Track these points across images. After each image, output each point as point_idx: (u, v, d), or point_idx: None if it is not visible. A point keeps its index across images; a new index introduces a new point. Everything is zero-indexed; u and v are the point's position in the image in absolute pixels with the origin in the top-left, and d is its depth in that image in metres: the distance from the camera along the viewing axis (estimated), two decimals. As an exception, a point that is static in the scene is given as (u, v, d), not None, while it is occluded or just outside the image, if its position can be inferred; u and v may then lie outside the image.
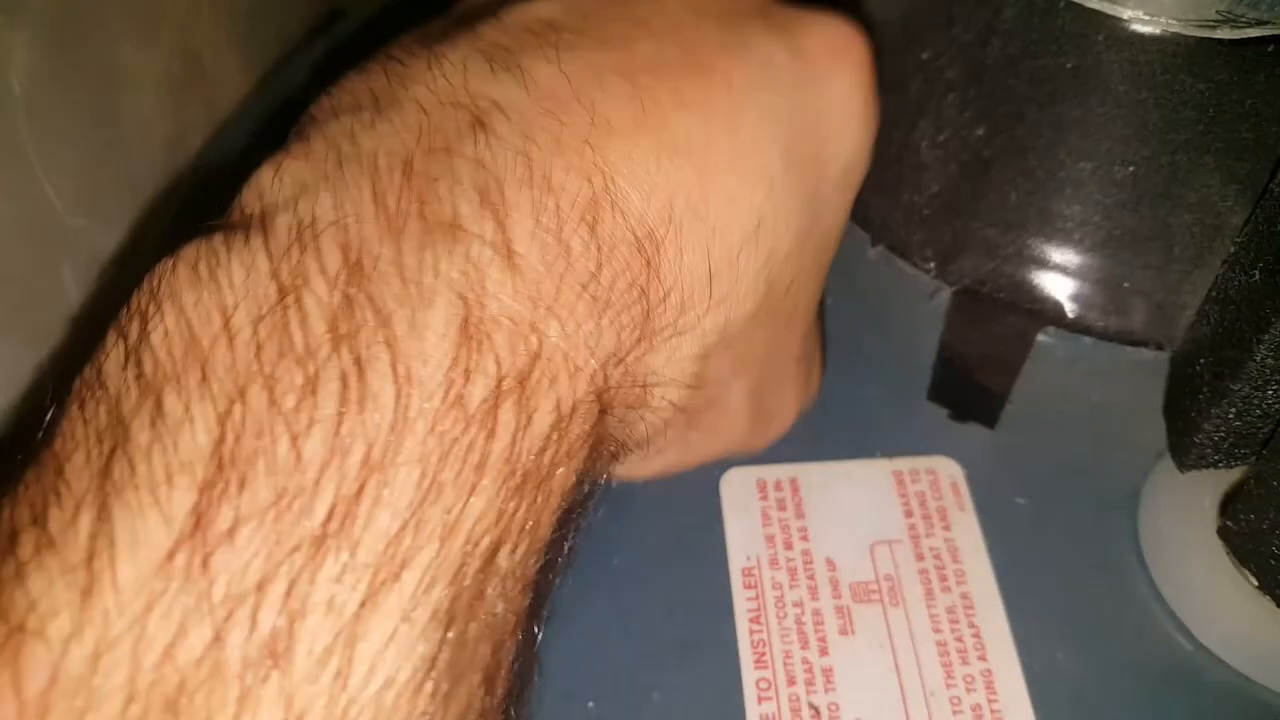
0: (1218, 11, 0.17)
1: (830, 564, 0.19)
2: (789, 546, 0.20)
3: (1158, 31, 0.18)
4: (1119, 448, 0.20)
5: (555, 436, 0.11)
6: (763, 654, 0.18)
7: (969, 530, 0.20)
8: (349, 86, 0.13)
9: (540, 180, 0.11)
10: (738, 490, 0.21)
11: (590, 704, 0.17)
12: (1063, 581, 0.19)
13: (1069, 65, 0.19)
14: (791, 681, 0.18)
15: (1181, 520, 0.19)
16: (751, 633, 0.18)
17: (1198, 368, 0.17)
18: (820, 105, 0.14)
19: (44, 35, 0.22)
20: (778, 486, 0.21)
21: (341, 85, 0.13)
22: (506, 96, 0.12)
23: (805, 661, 0.18)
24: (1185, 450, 0.17)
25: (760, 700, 0.17)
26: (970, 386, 0.21)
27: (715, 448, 0.18)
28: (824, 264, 0.16)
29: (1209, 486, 0.19)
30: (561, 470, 0.11)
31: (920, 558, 0.19)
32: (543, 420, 0.11)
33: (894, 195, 0.21)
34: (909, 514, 0.20)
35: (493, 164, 0.11)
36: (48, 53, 0.23)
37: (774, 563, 0.19)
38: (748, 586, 0.19)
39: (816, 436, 0.21)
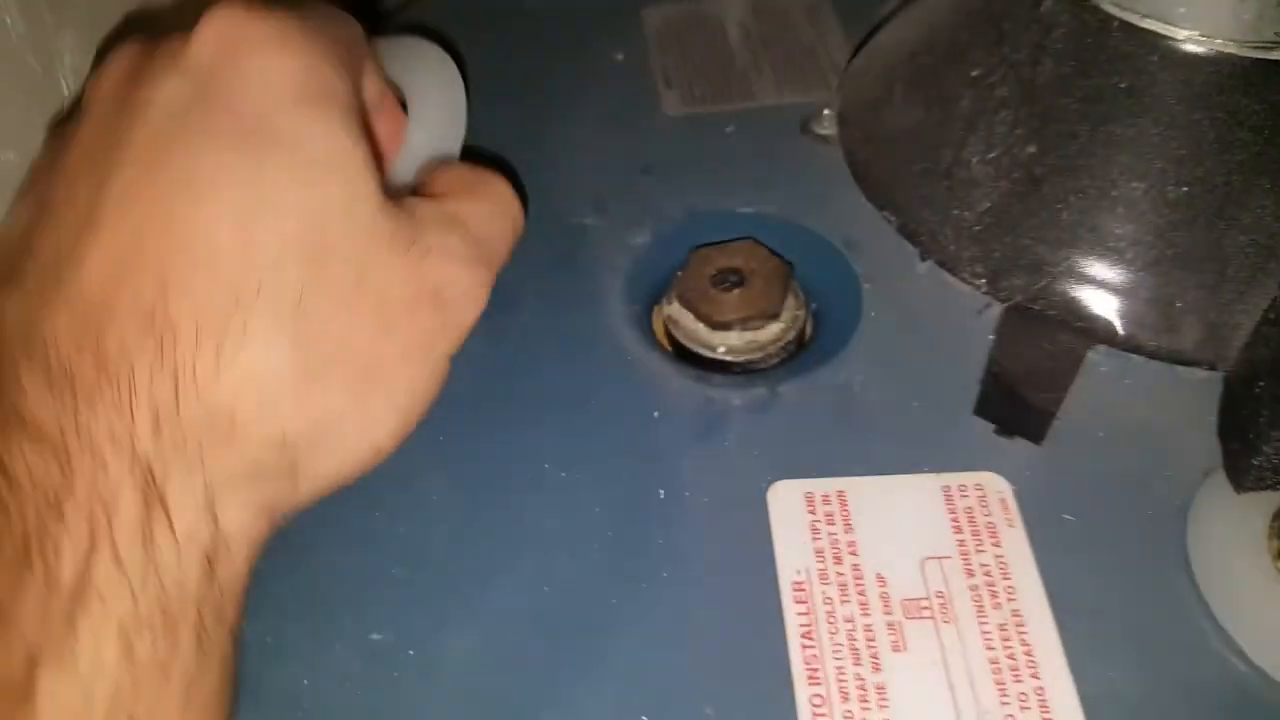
0: (1276, 33, 0.17)
1: (880, 579, 0.19)
2: (839, 561, 0.20)
3: (1213, 52, 0.18)
4: (1166, 465, 0.20)
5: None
6: (815, 670, 0.18)
7: (1019, 547, 0.20)
8: None
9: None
10: (785, 503, 0.21)
11: (643, 718, 0.17)
12: (1114, 600, 0.19)
13: (1122, 85, 0.19)
14: (845, 698, 0.18)
15: (1232, 540, 0.19)
16: (804, 648, 0.18)
17: (1257, 390, 0.17)
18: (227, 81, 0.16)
19: (91, 35, 0.23)
20: (825, 500, 0.21)
21: None
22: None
23: (858, 678, 0.18)
24: (1243, 472, 0.17)
25: (815, 717, 0.17)
26: (1018, 403, 0.21)
27: (450, 331, 0.18)
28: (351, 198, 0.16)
29: (1259, 506, 0.19)
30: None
31: (970, 574, 0.19)
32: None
33: (944, 210, 0.21)
34: (958, 530, 0.20)
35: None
36: (94, 52, 0.23)
37: (824, 577, 0.19)
38: (799, 601, 0.19)
39: (863, 450, 0.21)
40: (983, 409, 0.21)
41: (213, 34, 0.16)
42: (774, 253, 0.24)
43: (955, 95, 0.21)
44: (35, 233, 0.16)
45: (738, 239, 0.25)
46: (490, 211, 0.19)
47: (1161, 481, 0.20)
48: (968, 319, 0.22)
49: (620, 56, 0.31)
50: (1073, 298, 0.20)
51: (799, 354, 0.24)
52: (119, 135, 0.16)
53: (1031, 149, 0.20)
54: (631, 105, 0.29)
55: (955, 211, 0.21)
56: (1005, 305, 0.21)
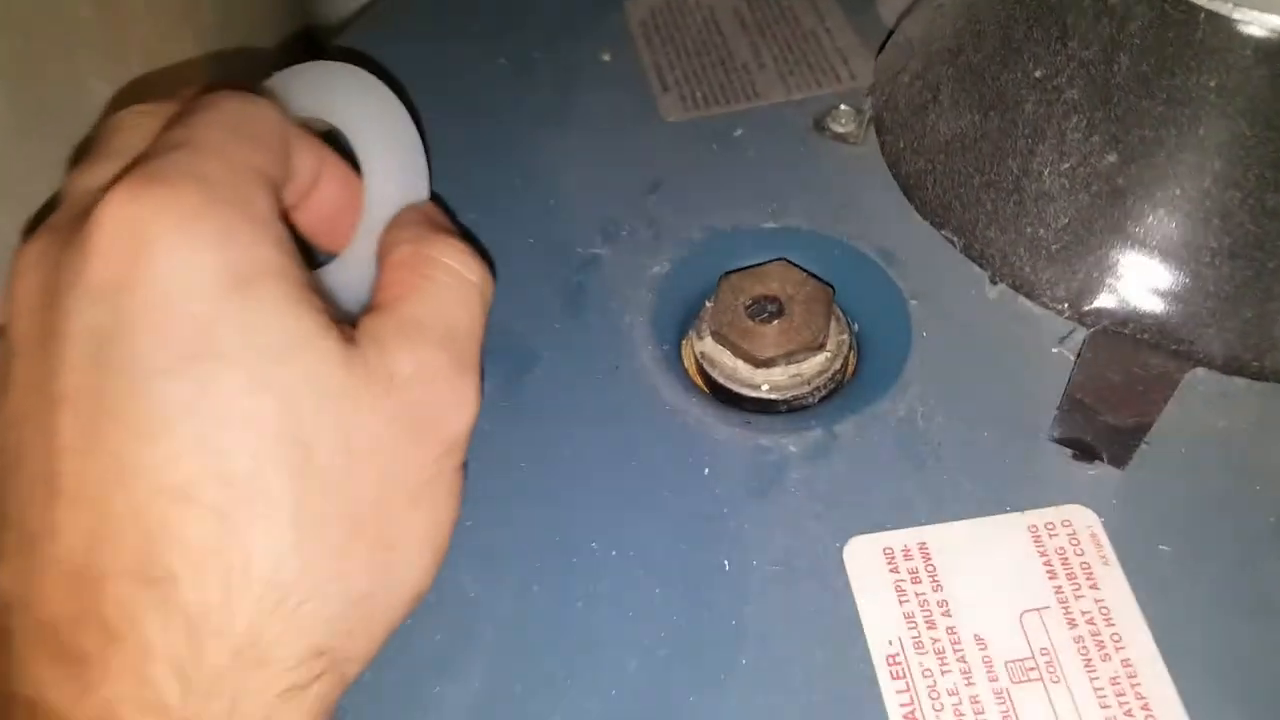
0: (1385, 21, 0.16)
1: (980, 641, 0.18)
2: (931, 625, 0.18)
3: (1310, 43, 0.16)
4: (1254, 477, 0.19)
5: None
6: (929, 756, 0.16)
7: (1117, 587, 0.18)
8: None
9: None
10: (864, 562, 0.19)
11: (748, 833, 0.16)
12: (1223, 635, 0.18)
13: (1211, 83, 0.17)
14: (966, 784, 0.16)
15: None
16: (911, 731, 0.17)
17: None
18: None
19: (8, 85, 0.20)
20: (907, 554, 0.19)
21: None
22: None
23: (976, 760, 0.16)
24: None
25: (938, 811, 0.16)
26: (1100, 427, 0.19)
27: (451, 448, 0.17)
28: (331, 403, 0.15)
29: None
30: None
31: (1072, 624, 0.18)
32: None
33: (1015, 229, 0.19)
34: (1052, 575, 0.18)
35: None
36: (14, 103, 0.20)
37: (919, 645, 0.18)
38: (895, 676, 0.17)
39: (936, 490, 0.19)
40: (1060, 434, 0.19)
41: (109, 240, 0.14)
42: (810, 274, 0.22)
43: (1017, 98, 0.19)
44: (2, 494, 0.15)
45: (768, 261, 0.23)
46: (450, 290, 0.17)
47: (1251, 496, 0.19)
48: (1030, 332, 0.20)
49: (607, 57, 0.28)
50: (1166, 319, 0.19)
51: (845, 384, 0.22)
52: (49, 378, 0.14)
53: (1111, 158, 0.18)
54: (627, 113, 0.26)
55: (1029, 230, 0.19)
56: (1092, 330, 0.19)
